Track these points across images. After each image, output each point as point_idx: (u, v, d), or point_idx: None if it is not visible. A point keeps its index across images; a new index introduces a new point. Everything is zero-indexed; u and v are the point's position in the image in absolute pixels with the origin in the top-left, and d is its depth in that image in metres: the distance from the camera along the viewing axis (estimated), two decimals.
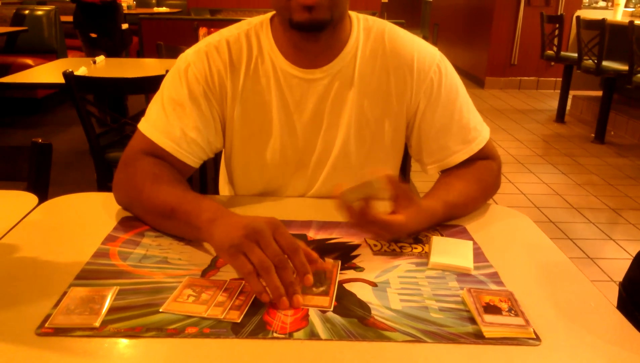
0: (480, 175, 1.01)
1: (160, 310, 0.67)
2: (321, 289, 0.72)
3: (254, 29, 1.01)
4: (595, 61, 4.24)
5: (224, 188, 1.19)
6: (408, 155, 1.65)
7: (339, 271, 0.77)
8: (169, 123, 0.96)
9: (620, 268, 2.40)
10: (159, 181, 0.90)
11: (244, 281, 0.73)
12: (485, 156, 1.04)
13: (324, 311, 0.68)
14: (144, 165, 0.94)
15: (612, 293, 0.94)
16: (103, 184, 2.26)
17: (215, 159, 1.56)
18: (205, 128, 0.99)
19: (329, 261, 0.80)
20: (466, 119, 1.02)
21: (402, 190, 0.85)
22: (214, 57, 0.99)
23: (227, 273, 0.76)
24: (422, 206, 0.88)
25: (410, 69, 1.00)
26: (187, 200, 0.85)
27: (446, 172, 1.04)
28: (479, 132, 1.03)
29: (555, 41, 4.89)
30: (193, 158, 0.99)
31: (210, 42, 1.00)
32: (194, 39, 1.04)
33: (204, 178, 2.18)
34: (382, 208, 0.84)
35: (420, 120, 1.03)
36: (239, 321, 0.65)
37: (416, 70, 1.00)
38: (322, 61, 0.99)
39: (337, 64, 1.00)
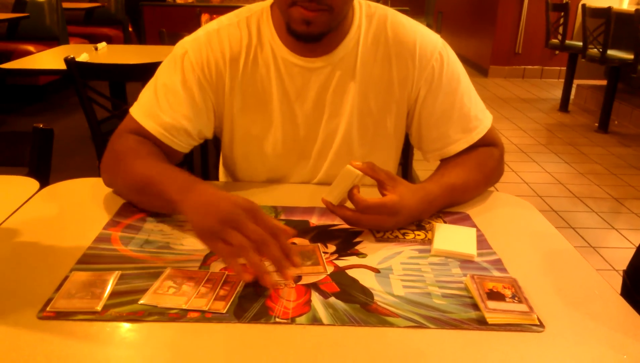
0: (479, 160, 1.00)
1: (140, 302, 0.65)
2: (309, 262, 0.75)
3: (254, 16, 1.00)
4: (600, 50, 4.20)
5: (224, 176, 1.18)
6: (411, 144, 1.64)
7: (320, 251, 0.78)
8: (159, 108, 0.96)
9: (622, 257, 2.40)
10: (136, 156, 0.90)
11: (226, 272, 0.72)
12: (486, 143, 1.03)
13: (326, 297, 0.68)
14: (125, 142, 0.95)
15: (614, 282, 0.93)
16: None
17: (217, 146, 1.55)
18: (195, 117, 0.98)
19: (305, 241, 0.82)
20: (467, 108, 1.01)
21: (383, 173, 0.85)
22: (212, 46, 0.98)
23: None
24: (414, 186, 0.88)
25: (412, 56, 0.99)
26: (160, 172, 0.85)
27: (446, 159, 1.04)
28: (480, 121, 1.02)
29: (560, 30, 4.85)
30: (181, 144, 0.98)
31: (209, 31, 0.99)
32: (197, 26, 1.03)
33: (205, 164, 2.18)
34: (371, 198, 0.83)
35: (420, 108, 1.02)
36: (224, 312, 0.64)
37: (418, 57, 0.99)
38: (324, 49, 0.98)
39: (339, 52, 0.99)
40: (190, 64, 0.97)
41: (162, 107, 0.96)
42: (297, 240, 0.82)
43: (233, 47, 0.98)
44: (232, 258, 0.68)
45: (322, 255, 0.77)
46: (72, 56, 2.05)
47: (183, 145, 0.99)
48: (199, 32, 1.00)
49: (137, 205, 0.90)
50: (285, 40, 0.98)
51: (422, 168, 3.06)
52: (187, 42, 0.99)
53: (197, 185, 0.78)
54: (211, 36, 0.98)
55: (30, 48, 4.36)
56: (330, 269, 0.74)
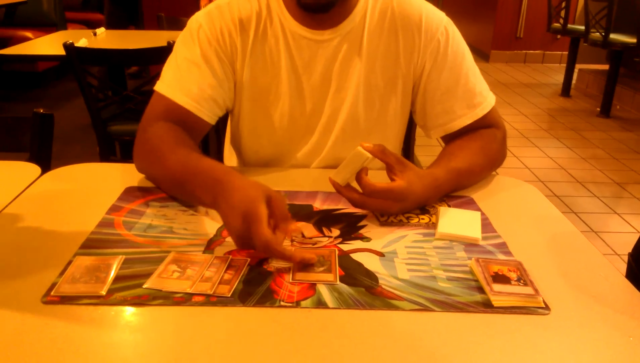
0: (483, 143, 1.00)
1: (144, 287, 0.65)
2: (321, 269, 0.70)
3: None
4: (603, 34, 4.17)
5: (229, 159, 1.18)
6: (412, 129, 1.63)
7: (336, 256, 0.73)
8: (185, 82, 0.97)
9: (624, 242, 2.40)
10: (167, 148, 0.89)
11: (231, 256, 0.72)
12: (489, 124, 1.03)
13: (330, 283, 0.67)
14: (155, 131, 0.94)
15: (617, 267, 0.93)
16: (105, 158, 2.25)
17: (218, 132, 1.54)
18: (219, 85, 0.99)
19: (324, 251, 0.75)
20: (472, 84, 1.01)
21: (393, 157, 0.84)
22: (224, 17, 0.99)
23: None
24: (422, 172, 0.87)
25: (419, 29, 1.00)
26: (192, 172, 0.82)
27: (449, 142, 1.04)
28: (485, 97, 1.02)
29: (562, 13, 4.81)
30: (210, 115, 0.99)
31: (219, 4, 1.00)
32: (195, 10, 1.04)
33: (206, 151, 2.17)
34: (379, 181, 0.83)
35: (425, 82, 1.02)
36: (229, 295, 0.64)
37: (424, 30, 1.00)
38: (332, 21, 0.99)
39: (347, 25, 0.99)
40: (205, 36, 0.98)
41: (188, 80, 0.97)
42: (301, 224, 0.81)
43: (243, 17, 0.99)
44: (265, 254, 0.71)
45: (337, 260, 0.72)
46: (71, 41, 2.03)
47: (212, 115, 0.99)
48: (211, 6, 1.01)
49: (171, 196, 0.89)
50: (293, 13, 0.99)
51: (424, 153, 3.05)
52: (200, 16, 1.00)
53: (226, 190, 0.74)
54: (222, 8, 1.00)
55: (28, 34, 4.33)
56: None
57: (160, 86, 0.98)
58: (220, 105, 1.01)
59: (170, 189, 0.89)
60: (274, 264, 0.71)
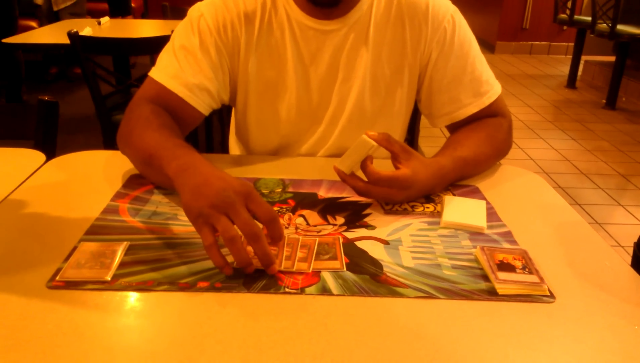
0: (489, 131, 1.00)
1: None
2: (326, 256, 0.70)
3: None
4: (610, 25, 4.13)
5: (234, 149, 1.18)
6: (417, 119, 1.63)
7: (341, 244, 0.73)
8: (181, 69, 0.95)
9: (628, 234, 2.40)
10: (148, 126, 0.86)
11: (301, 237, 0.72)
12: (495, 113, 1.03)
13: (337, 271, 0.67)
14: (141, 111, 0.91)
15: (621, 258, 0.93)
16: (110, 147, 2.25)
17: (222, 123, 1.54)
18: (215, 77, 0.98)
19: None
20: (478, 72, 1.01)
21: (398, 145, 0.83)
22: (229, 8, 0.97)
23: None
24: (427, 160, 0.87)
25: (425, 17, 0.99)
26: (164, 146, 0.79)
27: (455, 131, 1.03)
28: (491, 86, 1.02)
29: (569, 4, 4.77)
30: (204, 105, 0.97)
31: None
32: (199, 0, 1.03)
33: (210, 141, 2.17)
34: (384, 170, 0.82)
35: (432, 70, 1.02)
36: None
37: (430, 19, 0.99)
38: (339, 11, 0.98)
39: (354, 15, 0.98)
40: (206, 26, 0.96)
41: (184, 68, 0.95)
42: (306, 213, 0.81)
43: (248, 8, 0.98)
44: (212, 249, 0.63)
45: (342, 248, 0.72)
46: (75, 30, 2.03)
47: (205, 106, 0.98)
48: None
49: (145, 177, 0.89)
50: (299, 3, 0.97)
51: (428, 144, 3.04)
52: (203, 5, 0.99)
53: (196, 165, 0.72)
54: (227, 0, 0.98)
55: (32, 24, 4.32)
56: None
57: (154, 72, 0.96)
58: (215, 97, 0.99)
59: (140, 165, 0.87)
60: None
